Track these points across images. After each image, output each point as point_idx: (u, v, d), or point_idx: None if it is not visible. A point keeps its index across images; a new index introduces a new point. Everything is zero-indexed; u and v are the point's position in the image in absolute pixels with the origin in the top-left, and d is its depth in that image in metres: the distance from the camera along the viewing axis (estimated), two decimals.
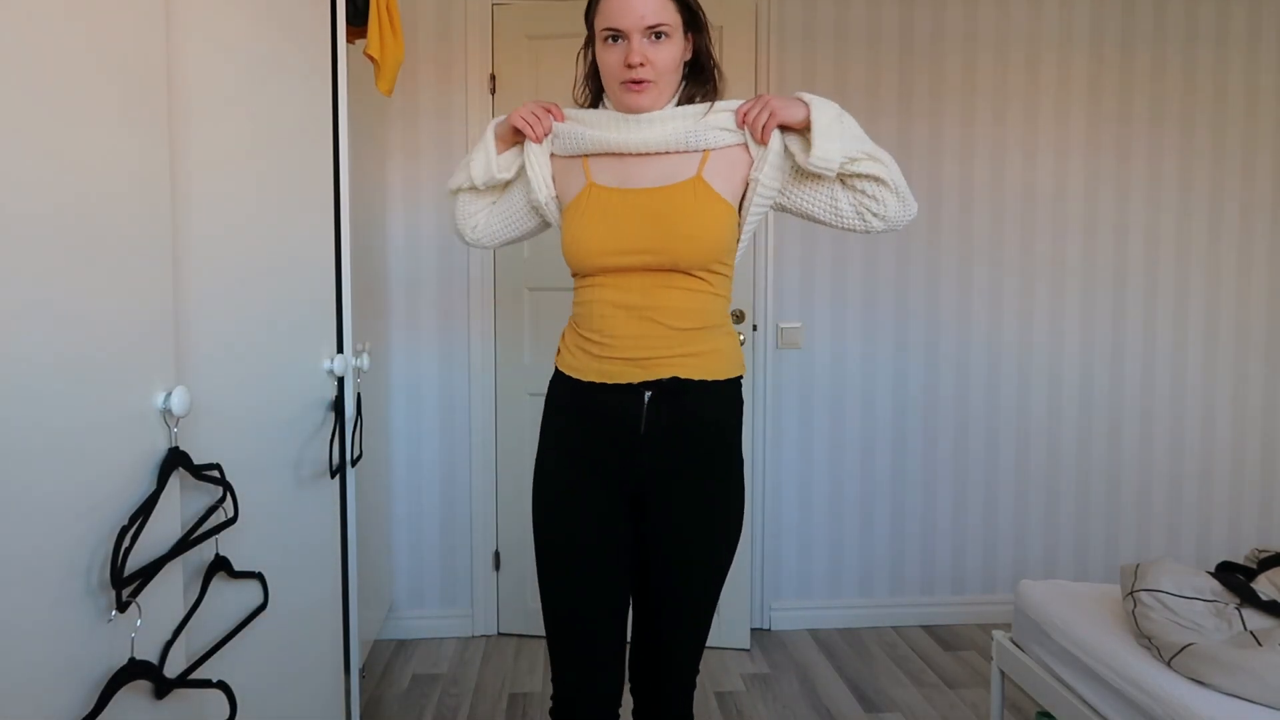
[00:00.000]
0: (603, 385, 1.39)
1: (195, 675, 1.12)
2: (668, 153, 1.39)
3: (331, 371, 1.72)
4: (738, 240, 1.43)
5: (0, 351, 0.77)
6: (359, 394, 1.95)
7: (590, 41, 1.42)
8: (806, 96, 1.36)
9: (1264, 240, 3.06)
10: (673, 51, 1.36)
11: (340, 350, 1.87)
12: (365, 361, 1.99)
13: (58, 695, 0.86)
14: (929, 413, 3.02)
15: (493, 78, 2.84)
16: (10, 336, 0.78)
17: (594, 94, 1.47)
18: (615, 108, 1.41)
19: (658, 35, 1.33)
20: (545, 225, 1.55)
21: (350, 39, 2.07)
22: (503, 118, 1.49)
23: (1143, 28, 2.98)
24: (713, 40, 1.45)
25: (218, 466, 1.16)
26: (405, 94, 2.83)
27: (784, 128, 1.37)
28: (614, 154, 1.40)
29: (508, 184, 1.53)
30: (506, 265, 2.89)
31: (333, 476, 1.74)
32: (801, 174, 1.40)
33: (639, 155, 1.39)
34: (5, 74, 0.78)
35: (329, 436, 1.74)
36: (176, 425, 1.05)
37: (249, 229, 1.35)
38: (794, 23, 2.90)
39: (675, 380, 1.37)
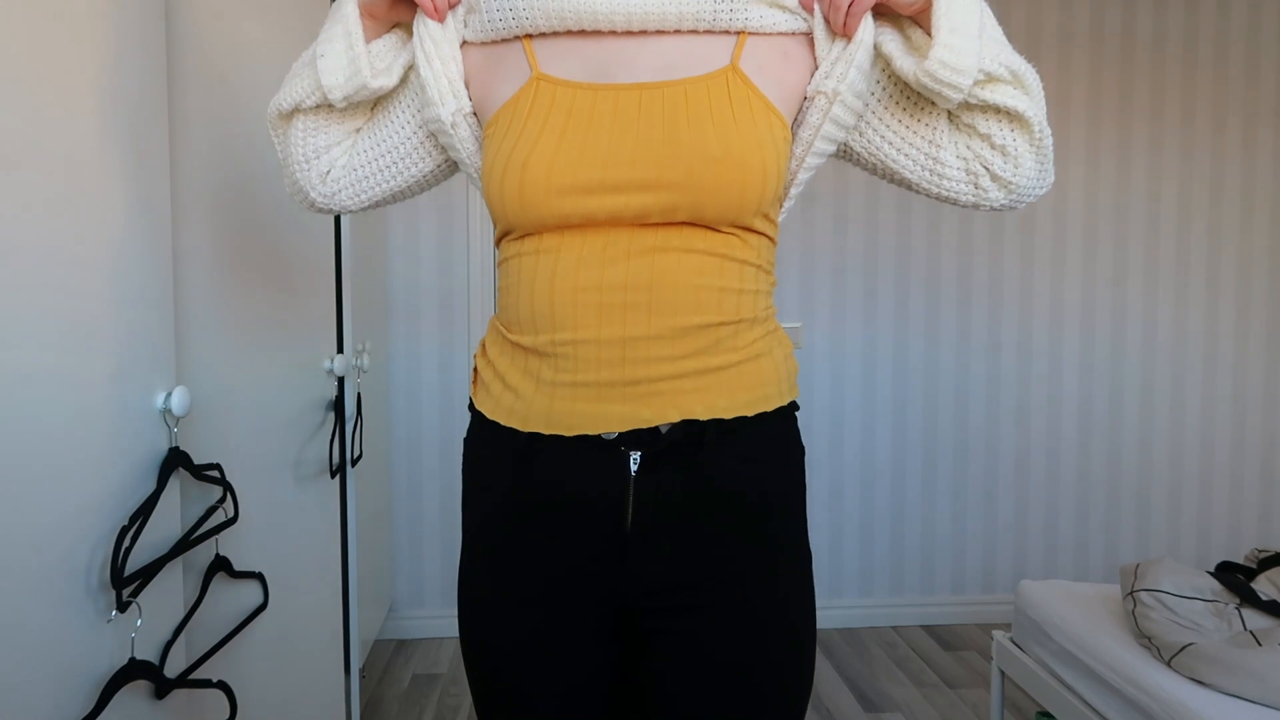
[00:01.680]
0: (554, 440, 0.82)
1: (195, 675, 1.12)
2: (678, 31, 0.84)
3: (331, 371, 1.72)
4: (787, 186, 0.88)
5: (1, 352, 0.77)
6: (359, 394, 1.95)
7: None
8: None
9: (1264, 240, 3.06)
10: None
11: (340, 350, 1.87)
12: (365, 361, 1.99)
13: (58, 695, 0.86)
14: (929, 413, 3.02)
15: None
16: (10, 337, 0.78)
17: None
18: None
19: None
20: (449, 169, 0.96)
21: None
22: None
23: (1143, 27, 2.98)
24: None
25: (218, 466, 1.16)
26: None
27: (880, 11, 0.83)
28: (580, 32, 0.84)
29: (380, 98, 0.93)
30: None
31: (333, 476, 1.74)
32: (899, 96, 0.87)
33: (625, 34, 0.84)
34: (5, 70, 0.78)
35: (329, 436, 1.74)
36: (176, 425, 1.05)
37: (249, 229, 1.35)
38: None
39: (686, 426, 0.80)
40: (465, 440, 0.93)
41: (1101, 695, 1.68)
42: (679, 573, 0.82)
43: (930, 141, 0.86)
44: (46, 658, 0.84)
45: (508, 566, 0.86)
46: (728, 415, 0.81)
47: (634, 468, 0.81)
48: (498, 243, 0.90)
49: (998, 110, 0.83)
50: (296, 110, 0.91)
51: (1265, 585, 1.77)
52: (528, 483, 0.84)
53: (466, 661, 0.91)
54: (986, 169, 0.85)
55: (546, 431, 0.82)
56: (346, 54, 0.86)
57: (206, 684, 1.10)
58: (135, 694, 0.98)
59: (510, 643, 0.86)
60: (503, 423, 0.85)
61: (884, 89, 0.87)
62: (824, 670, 2.69)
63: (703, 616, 0.82)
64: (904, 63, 0.81)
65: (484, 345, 0.93)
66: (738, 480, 0.82)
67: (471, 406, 0.91)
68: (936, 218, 2.97)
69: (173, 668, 1.06)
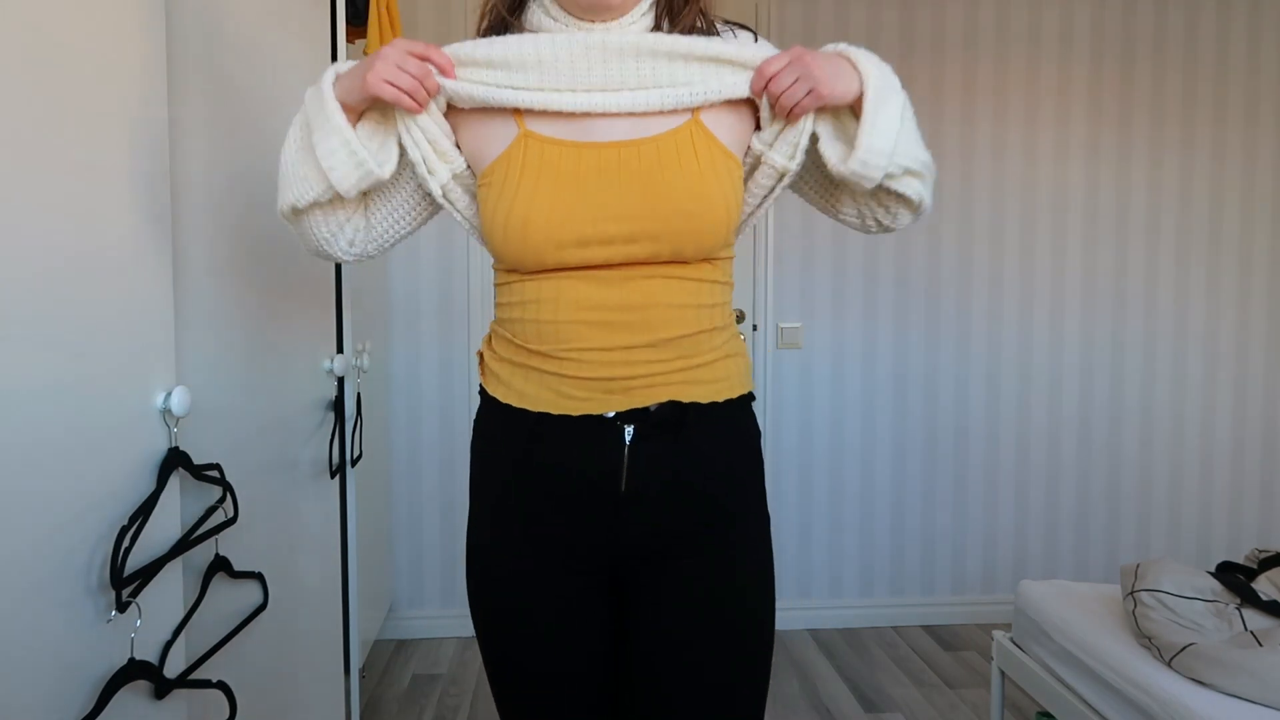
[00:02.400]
0: (562, 419, 0.96)
1: (195, 675, 1.12)
2: (644, 87, 0.94)
3: (331, 371, 1.72)
4: (742, 225, 1.04)
5: (0, 352, 0.77)
6: (359, 394, 1.95)
7: None
8: (858, 60, 0.94)
9: (1265, 240, 3.06)
10: None
11: (340, 350, 1.87)
12: (365, 361, 1.99)
13: (58, 695, 0.86)
14: (929, 413, 3.02)
15: None
16: (10, 337, 0.78)
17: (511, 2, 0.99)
18: (565, 8, 0.96)
19: None
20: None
21: (350, 39, 2.07)
22: (343, 68, 0.97)
23: (1143, 28, 2.98)
24: None
25: (218, 466, 1.16)
26: None
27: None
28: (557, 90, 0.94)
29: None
30: None
31: (333, 476, 1.74)
32: (818, 161, 0.98)
33: (601, 91, 0.94)
34: (5, 70, 0.78)
35: (329, 436, 1.74)
36: (176, 425, 1.05)
37: (249, 228, 1.35)
38: (794, 24, 2.90)
39: (671, 406, 0.96)
40: (476, 421, 1.05)
41: (1102, 695, 1.68)
42: (664, 524, 0.98)
43: (834, 196, 1.05)
44: (46, 658, 0.84)
45: (515, 525, 1.00)
46: (703, 400, 0.98)
47: (628, 439, 0.96)
48: (501, 271, 1.02)
49: (897, 195, 0.99)
50: (309, 208, 1.00)
51: (1265, 585, 1.77)
52: (538, 453, 0.98)
53: (475, 625, 1.05)
54: (877, 219, 1.04)
55: (553, 412, 0.96)
56: (350, 158, 0.94)
57: (206, 684, 1.10)
58: (135, 694, 0.98)
59: (516, 599, 1.00)
60: (514, 405, 0.99)
61: (814, 157, 1.00)
62: (824, 670, 2.69)
63: (684, 559, 0.98)
64: (830, 150, 0.95)
65: (490, 341, 1.05)
66: (711, 450, 0.99)
67: (483, 391, 1.04)
68: (936, 218, 2.97)
69: (173, 668, 1.06)
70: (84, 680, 0.90)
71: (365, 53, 2.05)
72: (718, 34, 1.01)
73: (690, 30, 0.99)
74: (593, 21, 0.96)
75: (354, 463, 1.89)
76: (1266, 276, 3.07)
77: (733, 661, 0.99)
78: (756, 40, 1.01)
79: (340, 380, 1.79)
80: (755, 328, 2.90)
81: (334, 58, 1.79)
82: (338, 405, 1.77)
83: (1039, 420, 3.05)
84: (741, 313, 2.81)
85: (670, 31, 0.98)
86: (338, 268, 1.85)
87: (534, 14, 0.99)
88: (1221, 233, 3.05)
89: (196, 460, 1.10)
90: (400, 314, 2.90)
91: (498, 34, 1.00)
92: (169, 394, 1.03)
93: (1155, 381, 3.07)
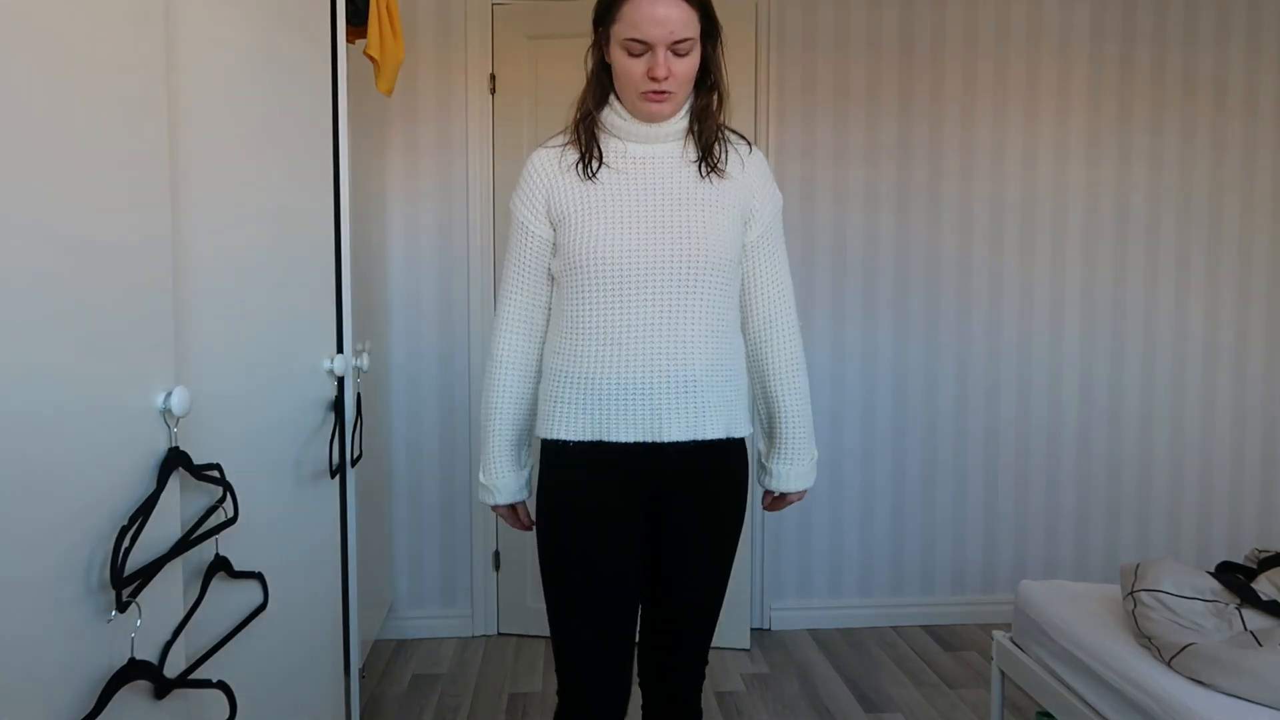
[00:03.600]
0: (633, 445, 1.37)
1: (195, 675, 1.12)
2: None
3: (331, 371, 1.72)
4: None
5: (0, 352, 0.77)
6: (359, 394, 1.95)
7: (599, 44, 1.37)
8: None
9: (1265, 238, 3.06)
10: (694, 63, 1.33)
11: (340, 350, 1.87)
12: (365, 361, 1.99)
13: (58, 695, 0.86)
14: (929, 413, 3.02)
15: (492, 78, 2.84)
16: (10, 337, 0.78)
17: (599, 96, 1.39)
18: (631, 113, 1.37)
19: (680, 47, 1.30)
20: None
21: (350, 39, 2.07)
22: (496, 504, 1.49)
23: (1143, 27, 2.98)
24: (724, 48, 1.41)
25: (218, 466, 1.16)
26: (405, 94, 2.83)
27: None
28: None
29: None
30: None
31: (333, 476, 1.74)
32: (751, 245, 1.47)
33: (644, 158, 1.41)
34: (4, 70, 0.78)
35: (329, 436, 1.74)
36: (176, 425, 1.05)
37: (249, 229, 1.35)
38: (794, 24, 2.90)
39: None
40: (545, 459, 1.44)
41: (1101, 695, 1.68)
42: (686, 476, 1.40)
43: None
44: (46, 658, 0.84)
45: (590, 495, 1.39)
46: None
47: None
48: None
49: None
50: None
51: (1265, 585, 1.77)
52: (608, 464, 1.39)
53: (546, 529, 1.40)
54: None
55: (627, 441, 1.38)
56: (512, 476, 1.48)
57: (206, 684, 1.10)
58: (135, 694, 0.98)
59: (588, 520, 1.37)
60: (585, 440, 1.40)
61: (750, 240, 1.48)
62: (824, 670, 2.69)
63: (694, 493, 1.42)
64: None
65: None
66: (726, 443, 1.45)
67: (553, 441, 1.43)
68: (936, 218, 2.97)
69: (173, 668, 1.06)
70: (84, 680, 0.90)
71: (365, 53, 2.05)
72: (728, 142, 1.43)
73: (711, 135, 1.40)
74: (649, 124, 1.37)
75: (354, 463, 1.89)
76: (1266, 275, 3.07)
77: (729, 531, 1.46)
78: (751, 150, 1.46)
79: (340, 380, 1.79)
80: None
81: (334, 57, 1.79)
82: (338, 405, 1.77)
83: (1039, 420, 3.05)
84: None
85: (694, 130, 1.40)
86: (338, 268, 1.85)
87: (607, 115, 1.39)
88: (1221, 232, 3.05)
89: (196, 460, 1.10)
90: (400, 314, 2.90)
91: (585, 124, 1.39)
92: (169, 394, 1.03)
93: (1155, 381, 3.07)
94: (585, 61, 1.41)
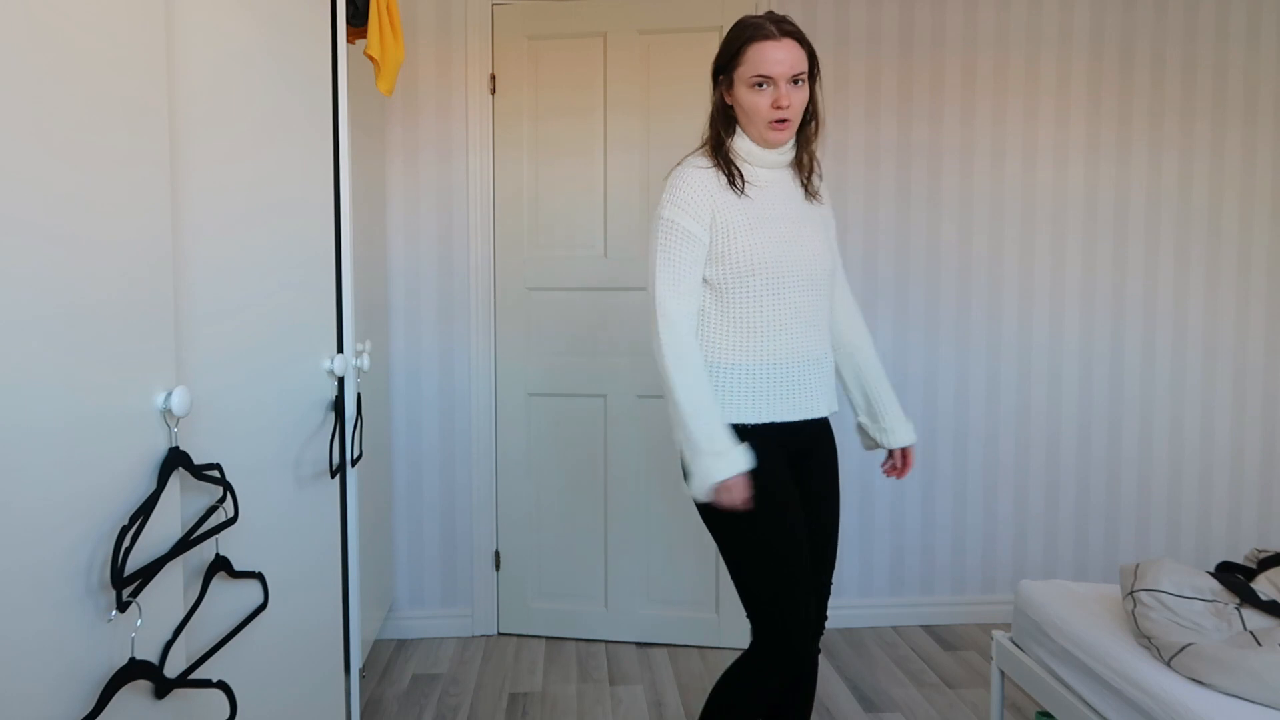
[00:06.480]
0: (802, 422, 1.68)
1: (195, 675, 1.12)
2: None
3: (331, 371, 1.73)
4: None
5: (1, 352, 0.77)
6: (359, 394, 1.95)
7: (721, 84, 1.65)
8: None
9: (1264, 238, 3.06)
10: (805, 95, 1.61)
11: (340, 350, 1.87)
12: (365, 361, 1.99)
13: (58, 695, 0.86)
14: (929, 412, 3.02)
15: (493, 78, 2.84)
16: (10, 337, 0.79)
17: (728, 128, 1.65)
18: (755, 141, 1.63)
19: (797, 81, 1.58)
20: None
21: (350, 39, 2.07)
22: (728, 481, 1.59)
23: (1143, 26, 2.98)
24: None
25: (218, 466, 1.16)
26: (405, 94, 2.83)
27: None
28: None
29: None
30: (507, 265, 2.89)
31: (333, 476, 1.74)
32: None
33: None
34: (5, 69, 0.78)
35: (329, 436, 1.74)
36: (176, 425, 1.05)
37: (249, 229, 1.36)
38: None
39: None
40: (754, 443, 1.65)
41: (1101, 695, 1.68)
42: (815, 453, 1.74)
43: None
44: (46, 658, 0.84)
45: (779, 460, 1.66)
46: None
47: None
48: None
49: None
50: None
51: (1265, 585, 1.77)
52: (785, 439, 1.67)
53: (765, 490, 1.59)
54: None
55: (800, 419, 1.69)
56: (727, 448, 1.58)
57: (206, 684, 1.10)
58: (135, 694, 0.98)
59: (782, 480, 1.63)
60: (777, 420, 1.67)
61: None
62: (824, 670, 2.69)
63: (814, 470, 1.74)
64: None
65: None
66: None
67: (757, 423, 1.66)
68: (936, 218, 2.97)
69: (173, 668, 1.06)
70: (84, 680, 0.90)
71: (366, 53, 2.05)
72: (819, 171, 1.74)
73: (813, 163, 1.72)
74: (769, 149, 1.64)
75: (354, 463, 1.89)
76: (1266, 275, 3.07)
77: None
78: (823, 182, 1.76)
79: (340, 380, 1.79)
80: None
81: (334, 58, 1.79)
82: (338, 405, 1.77)
83: (1039, 420, 3.05)
84: None
85: (800, 155, 1.70)
86: (338, 268, 1.85)
87: (738, 143, 1.64)
88: (1221, 232, 3.05)
89: (197, 460, 1.10)
90: (400, 314, 2.90)
91: (716, 147, 1.65)
92: (169, 394, 1.03)
93: (1155, 381, 3.07)
94: (710, 100, 1.69)
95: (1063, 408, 3.05)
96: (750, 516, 1.58)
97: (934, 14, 2.93)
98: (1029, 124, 2.98)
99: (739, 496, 1.54)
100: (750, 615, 1.62)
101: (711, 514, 1.61)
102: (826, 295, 1.69)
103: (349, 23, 1.97)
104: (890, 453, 1.84)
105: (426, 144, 2.87)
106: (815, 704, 2.46)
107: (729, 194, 1.62)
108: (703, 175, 1.62)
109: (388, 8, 2.03)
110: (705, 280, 1.63)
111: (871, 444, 1.84)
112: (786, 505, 1.60)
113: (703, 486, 1.53)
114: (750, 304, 1.60)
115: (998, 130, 2.97)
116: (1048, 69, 2.97)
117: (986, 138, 2.97)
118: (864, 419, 1.83)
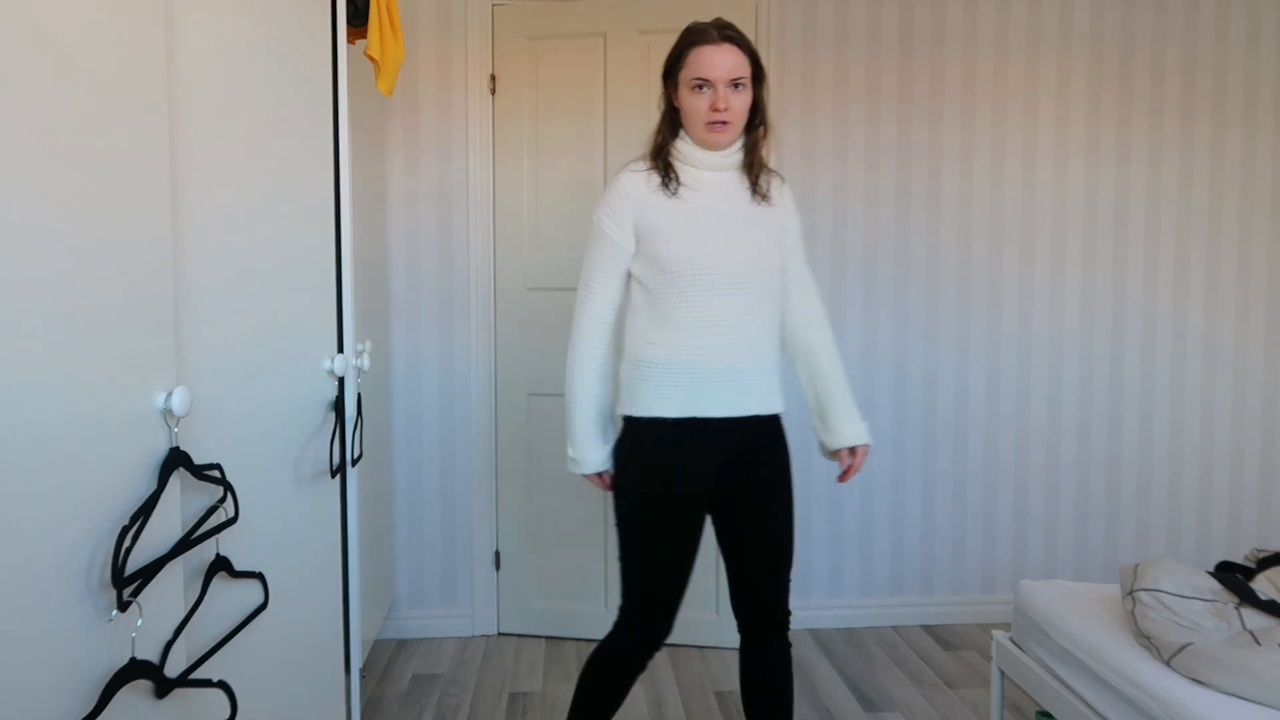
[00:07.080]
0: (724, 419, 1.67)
1: (196, 675, 1.12)
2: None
3: (331, 371, 1.73)
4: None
5: (1, 352, 0.77)
6: (359, 394, 1.95)
7: (667, 93, 1.69)
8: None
9: (1264, 238, 3.06)
10: (747, 99, 1.63)
11: (340, 350, 1.87)
12: (365, 362, 1.99)
13: (59, 695, 0.86)
14: (928, 412, 3.02)
15: (493, 78, 2.84)
16: (10, 337, 0.79)
17: (672, 131, 1.68)
18: (696, 143, 1.66)
19: (737, 85, 1.61)
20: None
21: (350, 39, 2.07)
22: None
23: (1143, 27, 2.99)
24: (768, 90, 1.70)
25: (218, 466, 1.16)
26: (405, 94, 2.83)
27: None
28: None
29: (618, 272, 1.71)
30: (507, 265, 2.89)
31: (333, 476, 1.74)
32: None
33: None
34: (5, 69, 0.78)
35: (329, 436, 1.74)
36: (177, 425, 1.05)
37: (249, 229, 1.36)
38: (794, 23, 2.90)
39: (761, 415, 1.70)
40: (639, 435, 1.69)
41: (1101, 695, 1.68)
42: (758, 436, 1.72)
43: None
44: (47, 657, 0.84)
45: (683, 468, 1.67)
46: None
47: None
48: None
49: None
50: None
51: (1265, 585, 1.77)
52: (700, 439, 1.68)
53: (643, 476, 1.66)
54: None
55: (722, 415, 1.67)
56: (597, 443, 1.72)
57: (206, 684, 1.10)
58: (135, 694, 0.98)
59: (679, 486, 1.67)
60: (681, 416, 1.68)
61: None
62: (824, 670, 2.70)
63: (756, 468, 1.72)
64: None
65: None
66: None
67: (644, 417, 1.69)
68: (936, 218, 2.97)
69: (173, 667, 1.06)
70: (85, 679, 0.90)
71: (366, 53, 2.05)
72: (772, 173, 1.75)
73: (759, 167, 1.71)
74: (711, 151, 1.66)
75: (354, 462, 1.89)
76: (1266, 276, 3.07)
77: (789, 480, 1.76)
78: (783, 182, 1.79)
79: (340, 380, 1.79)
80: None
81: (334, 58, 1.79)
82: (338, 405, 1.77)
83: (1039, 420, 3.05)
84: None
85: (748, 163, 1.70)
86: (338, 268, 1.85)
87: (680, 146, 1.67)
88: (1221, 232, 3.05)
89: (197, 460, 1.10)
90: (400, 314, 2.90)
91: (658, 149, 1.68)
92: (169, 394, 1.03)
93: (1155, 381, 3.08)
94: (658, 105, 1.73)
95: (1062, 408, 3.05)
96: (635, 505, 1.66)
97: (934, 14, 2.93)
98: (1029, 124, 2.98)
99: (600, 487, 1.74)
100: (621, 593, 1.72)
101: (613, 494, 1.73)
102: (769, 296, 1.68)
103: (349, 23, 1.97)
104: (840, 456, 1.81)
105: (426, 144, 2.87)
106: (815, 704, 2.47)
107: (659, 195, 1.65)
108: (633, 178, 1.67)
109: (388, 8, 2.02)
110: (636, 278, 1.67)
111: (828, 452, 1.82)
112: (677, 499, 1.64)
113: (572, 470, 1.72)
114: (677, 302, 1.62)
115: (998, 130, 2.97)
116: (1048, 69, 2.97)
117: (986, 138, 2.97)
118: (815, 421, 1.82)
